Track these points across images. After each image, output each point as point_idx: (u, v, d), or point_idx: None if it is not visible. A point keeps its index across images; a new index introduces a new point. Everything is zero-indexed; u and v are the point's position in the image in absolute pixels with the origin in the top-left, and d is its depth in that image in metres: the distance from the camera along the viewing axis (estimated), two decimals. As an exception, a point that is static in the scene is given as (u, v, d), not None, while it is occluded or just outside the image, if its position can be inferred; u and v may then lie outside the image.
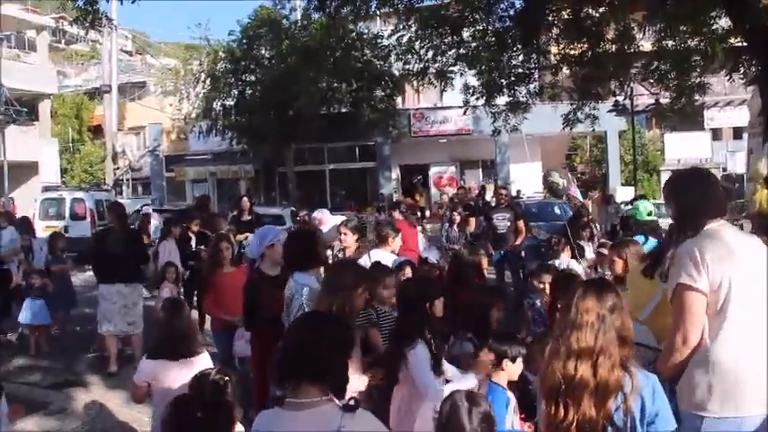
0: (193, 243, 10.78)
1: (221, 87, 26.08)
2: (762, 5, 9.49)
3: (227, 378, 3.52)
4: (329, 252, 10.76)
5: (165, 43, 50.92)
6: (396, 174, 31.28)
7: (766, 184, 8.63)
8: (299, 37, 24.55)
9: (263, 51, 26.36)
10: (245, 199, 12.69)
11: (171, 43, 47.04)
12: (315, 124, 24.43)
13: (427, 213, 29.13)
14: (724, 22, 11.62)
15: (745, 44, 10.23)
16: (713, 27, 12.08)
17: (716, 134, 36.78)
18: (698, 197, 3.38)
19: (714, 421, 3.02)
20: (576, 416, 2.66)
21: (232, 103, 26.81)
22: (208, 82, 26.55)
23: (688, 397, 3.11)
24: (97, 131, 42.30)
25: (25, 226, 11.86)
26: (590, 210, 16.13)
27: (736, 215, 19.04)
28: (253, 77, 26.51)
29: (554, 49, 14.04)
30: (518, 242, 11.38)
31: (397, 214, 11.09)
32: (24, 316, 9.19)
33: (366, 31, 24.99)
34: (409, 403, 3.95)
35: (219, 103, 26.61)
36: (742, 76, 11.71)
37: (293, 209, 17.05)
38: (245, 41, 25.91)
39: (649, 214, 7.89)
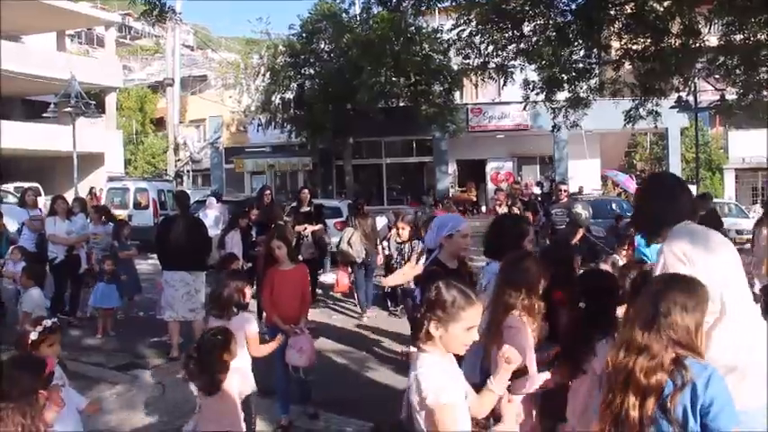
0: (254, 233, 11.05)
1: (281, 81, 26.33)
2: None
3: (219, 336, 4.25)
4: (385, 244, 11.00)
5: (226, 38, 51.77)
6: (452, 168, 31.24)
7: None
8: (358, 31, 24.68)
9: (322, 45, 26.58)
10: (306, 190, 12.83)
11: (231, 38, 47.81)
12: (373, 118, 24.57)
13: (483, 209, 29.07)
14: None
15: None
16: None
17: (784, 132, 35.71)
18: (665, 201, 3.45)
19: None
20: (624, 406, 2.65)
21: (291, 96, 27.10)
22: (267, 75, 26.88)
23: None
24: (159, 124, 43.40)
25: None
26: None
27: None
28: (312, 71, 26.75)
29: (616, 44, 13.87)
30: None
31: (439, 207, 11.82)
32: (95, 298, 9.58)
33: (425, 25, 24.99)
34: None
35: (279, 97, 26.89)
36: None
37: (354, 200, 17.23)
38: (304, 35, 26.13)
39: None
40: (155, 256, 9.66)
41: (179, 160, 35.02)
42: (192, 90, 41.60)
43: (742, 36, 12.75)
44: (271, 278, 6.39)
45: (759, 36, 12.56)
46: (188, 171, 36.06)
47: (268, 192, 13.48)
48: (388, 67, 23.61)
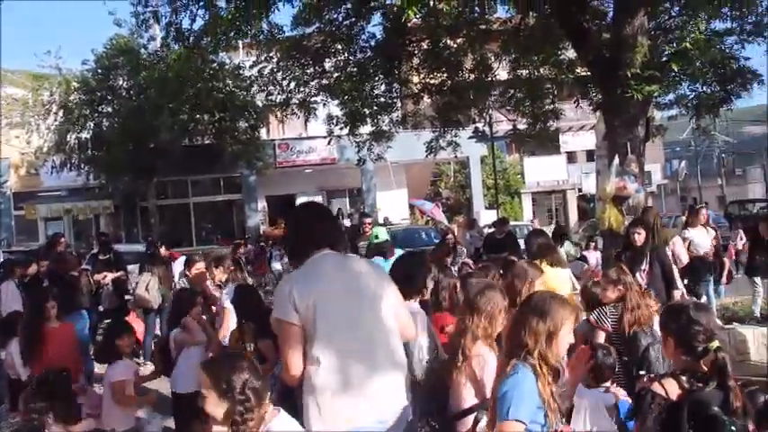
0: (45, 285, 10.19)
1: (75, 119, 24.74)
2: (601, 40, 10.15)
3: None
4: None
5: (12, 72, 47.86)
6: (262, 205, 30.89)
7: (613, 203, 9.13)
8: (156, 67, 23.78)
9: (120, 82, 25.38)
10: (103, 237, 12.21)
11: (17, 71, 44.29)
12: (177, 157, 23.72)
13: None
14: (571, 54, 12.29)
15: (589, 73, 10.85)
16: (561, 58, 12.78)
17: (571, 157, 38.93)
18: (303, 230, 3.64)
19: None
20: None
21: (88, 135, 25.58)
22: (60, 113, 25.18)
23: (304, 421, 3.30)
24: (-68, 167, 39.13)
25: None
26: (456, 233, 16.52)
27: (590, 233, 20.07)
28: (109, 109, 25.36)
29: (415, 79, 14.34)
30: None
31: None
32: None
33: (228, 61, 24.61)
34: None
35: (74, 136, 25.27)
36: (589, 102, 12.41)
37: (149, 244, 16.43)
38: (100, 71, 24.83)
39: (376, 237, 8.78)
40: None
41: (-43, 208, 31.80)
42: (-29, 130, 38.03)
43: (527, 71, 13.67)
44: (38, 336, 6.11)
45: (541, 71, 13.54)
46: (-31, 220, 32.81)
47: (62, 239, 12.60)
48: (190, 104, 22.98)
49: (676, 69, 9.22)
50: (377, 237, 8.87)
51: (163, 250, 13.00)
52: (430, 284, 4.85)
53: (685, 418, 2.78)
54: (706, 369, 2.92)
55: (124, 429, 5.18)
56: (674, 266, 8.87)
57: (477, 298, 4.22)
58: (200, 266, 8.10)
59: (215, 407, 2.89)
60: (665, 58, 9.38)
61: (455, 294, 5.58)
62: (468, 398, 3.97)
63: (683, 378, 2.96)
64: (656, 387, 2.97)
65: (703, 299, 10.83)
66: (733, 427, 2.74)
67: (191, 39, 11.01)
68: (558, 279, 6.26)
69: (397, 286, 4.73)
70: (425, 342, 4.38)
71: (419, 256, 5.26)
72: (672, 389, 2.94)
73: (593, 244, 14.18)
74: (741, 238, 13.02)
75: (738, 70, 11.14)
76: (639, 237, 7.92)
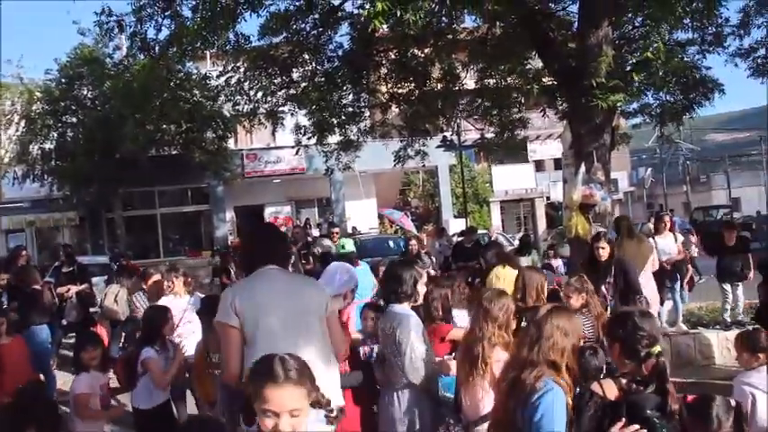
0: (5, 299, 10.02)
1: (38, 129, 24.36)
2: (566, 49, 10.25)
3: None
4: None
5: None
6: (230, 215, 30.67)
7: (580, 211, 9.18)
8: (121, 77, 23.47)
9: (84, 91, 25.03)
10: (66, 249, 12.05)
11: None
12: (143, 167, 23.44)
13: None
14: (537, 63, 12.40)
15: (555, 82, 10.95)
16: (527, 67, 12.89)
17: (539, 165, 39.29)
18: (253, 247, 4.16)
19: None
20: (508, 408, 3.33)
21: (51, 146, 25.18)
22: (23, 123, 24.78)
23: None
24: None
25: None
26: (425, 242, 16.54)
27: (557, 240, 20.26)
28: (74, 119, 25.03)
29: (383, 88, 14.32)
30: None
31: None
32: None
33: (195, 71, 24.40)
34: None
35: (37, 147, 24.89)
36: (556, 111, 12.52)
37: (116, 256, 16.18)
38: (64, 81, 24.48)
39: (342, 247, 9.09)
40: None
41: None
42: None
43: (494, 81, 13.76)
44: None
45: (508, 80, 13.63)
46: (-72, 232, 32.10)
47: (24, 252, 12.39)
48: (156, 114, 22.70)
49: (637, 79, 9.33)
50: (343, 247, 9.14)
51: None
52: (422, 289, 4.91)
53: (624, 418, 2.93)
54: (646, 373, 3.10)
55: None
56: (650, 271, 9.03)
57: (492, 305, 4.34)
58: (155, 278, 8.06)
59: (305, 415, 2.51)
60: (628, 68, 9.49)
61: (447, 303, 5.61)
62: (487, 404, 4.04)
63: (623, 381, 3.16)
64: (594, 387, 3.17)
65: (669, 304, 10.99)
66: (664, 430, 2.92)
67: (156, 49, 10.89)
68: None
69: (388, 287, 4.95)
70: (420, 347, 4.46)
71: (409, 261, 5.44)
72: (610, 390, 3.13)
73: (552, 252, 14.69)
74: (694, 245, 13.26)
75: (700, 80, 11.32)
76: (604, 251, 7.83)
